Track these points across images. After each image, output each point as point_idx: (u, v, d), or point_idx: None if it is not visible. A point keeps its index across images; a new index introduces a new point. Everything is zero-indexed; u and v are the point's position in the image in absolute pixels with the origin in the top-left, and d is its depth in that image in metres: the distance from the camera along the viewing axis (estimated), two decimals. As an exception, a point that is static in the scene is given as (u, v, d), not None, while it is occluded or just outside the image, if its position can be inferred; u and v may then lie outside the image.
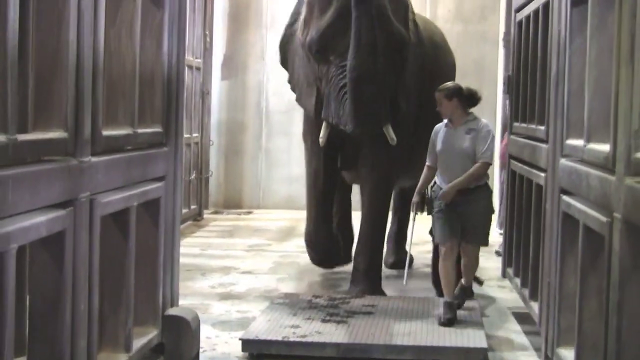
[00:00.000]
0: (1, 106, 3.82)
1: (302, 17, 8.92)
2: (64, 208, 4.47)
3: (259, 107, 17.26)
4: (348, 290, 9.18)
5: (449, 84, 8.26)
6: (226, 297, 9.51)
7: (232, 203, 17.26)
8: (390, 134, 8.49)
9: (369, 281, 9.05)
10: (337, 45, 8.22)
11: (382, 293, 9.04)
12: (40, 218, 4.19)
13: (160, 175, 6.26)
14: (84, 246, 4.76)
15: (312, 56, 8.63)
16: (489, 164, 7.94)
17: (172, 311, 6.46)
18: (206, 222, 15.50)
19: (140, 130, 5.72)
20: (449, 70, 10.35)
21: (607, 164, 4.95)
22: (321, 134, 8.70)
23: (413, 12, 9.27)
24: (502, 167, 12.05)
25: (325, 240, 9.67)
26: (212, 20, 15.89)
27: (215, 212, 16.65)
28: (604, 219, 4.95)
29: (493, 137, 7.95)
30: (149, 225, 6.12)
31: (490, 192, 8.18)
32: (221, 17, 16.95)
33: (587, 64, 5.61)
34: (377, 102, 8.08)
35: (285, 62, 9.66)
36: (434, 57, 9.85)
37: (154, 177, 6.12)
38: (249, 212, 16.86)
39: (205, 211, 16.06)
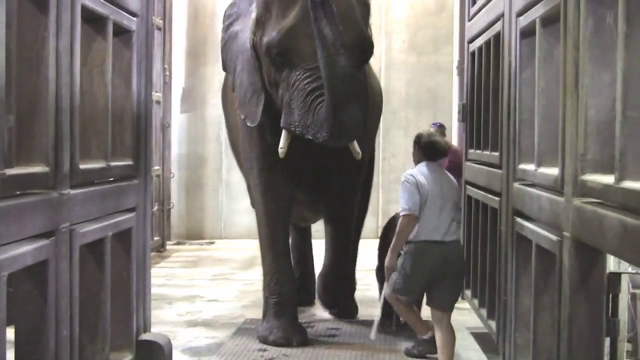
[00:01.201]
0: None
1: (253, 16, 7.91)
2: (47, 238, 4.75)
3: (219, 140, 17.48)
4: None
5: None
6: (194, 324, 9.72)
7: (194, 234, 17.45)
8: (356, 147, 7.61)
9: (340, 293, 9.07)
10: (302, 47, 7.31)
11: (355, 307, 9.29)
12: (27, 247, 4.47)
13: (132, 207, 6.53)
14: (65, 275, 5.02)
15: (269, 59, 7.63)
16: (402, 216, 7.19)
17: (145, 336, 6.72)
18: (169, 252, 15.69)
19: (113, 164, 5.99)
20: (379, 99, 9.76)
21: (556, 187, 5.29)
22: (281, 144, 7.62)
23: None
24: None
25: (292, 278, 8.88)
26: (170, 55, 16.14)
27: (178, 243, 16.82)
28: (554, 238, 5.28)
29: (404, 186, 7.20)
30: (121, 254, 6.38)
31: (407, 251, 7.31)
32: (180, 52, 17.21)
33: (536, 93, 5.97)
34: (357, 108, 7.11)
35: (225, 66, 8.69)
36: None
37: (126, 209, 6.39)
38: (211, 243, 17.05)
39: (167, 242, 16.25)
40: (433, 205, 7.16)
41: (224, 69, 8.70)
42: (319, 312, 9.77)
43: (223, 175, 17.50)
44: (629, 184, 3.94)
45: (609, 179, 4.25)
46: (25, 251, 4.44)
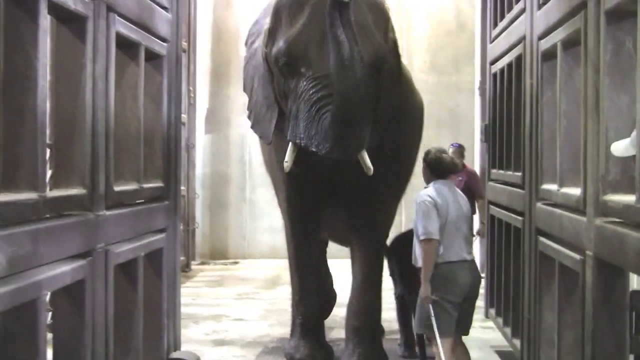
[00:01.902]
0: (32, 166, 4.25)
1: (266, 27, 7.61)
2: (84, 258, 4.91)
3: (242, 160, 17.66)
4: (344, 350, 8.27)
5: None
6: (220, 343, 9.85)
7: (218, 254, 17.60)
8: (366, 162, 7.18)
9: (369, 341, 8.19)
10: (309, 55, 7.00)
11: (384, 355, 8.24)
12: (65, 267, 4.63)
13: (162, 227, 6.69)
14: (100, 293, 5.19)
15: (278, 69, 7.30)
16: (424, 240, 6.86)
17: (175, 354, 6.90)
18: (194, 272, 15.84)
19: (145, 186, 6.16)
20: (419, 115, 9.32)
21: (578, 206, 5.42)
22: (286, 157, 7.24)
23: (393, 30, 7.93)
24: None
25: (320, 299, 8.75)
26: (195, 77, 16.35)
27: (202, 263, 16.97)
28: (577, 256, 5.41)
29: (422, 209, 6.97)
30: (152, 274, 6.54)
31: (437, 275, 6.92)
32: (204, 73, 17.42)
33: (558, 114, 6.11)
34: (363, 120, 6.80)
35: (245, 85, 8.36)
36: (405, 93, 8.57)
37: (157, 229, 6.54)
38: (235, 262, 17.20)
39: (192, 262, 16.42)
40: (454, 225, 6.96)
41: (244, 89, 8.39)
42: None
43: (247, 195, 17.66)
44: (648, 204, 4.07)
45: (629, 199, 4.39)
46: (64, 271, 4.60)
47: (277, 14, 7.42)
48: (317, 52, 6.91)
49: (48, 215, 4.48)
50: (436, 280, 6.81)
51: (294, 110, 7.08)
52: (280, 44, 7.19)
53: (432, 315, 6.76)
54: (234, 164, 17.74)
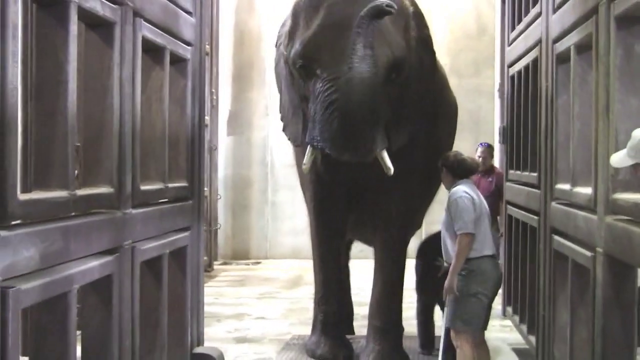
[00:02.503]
0: (63, 165, 4.45)
1: (285, 30, 7.79)
2: (111, 254, 5.10)
3: (264, 162, 17.87)
4: (364, 348, 8.36)
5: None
6: (242, 340, 10.05)
7: (240, 254, 17.81)
8: (386, 163, 7.19)
9: (389, 340, 8.25)
10: (323, 57, 7.01)
11: (405, 355, 8.35)
12: (94, 263, 4.81)
13: (186, 226, 6.87)
14: (127, 289, 5.37)
15: (297, 72, 7.40)
16: (463, 234, 6.99)
17: (199, 349, 7.08)
18: (216, 272, 16.05)
19: (169, 185, 6.35)
20: (453, 112, 9.61)
21: (590, 205, 5.59)
22: (305, 159, 7.34)
23: (426, 27, 8.02)
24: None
25: (341, 297, 8.89)
26: (217, 79, 16.55)
27: (224, 263, 17.19)
28: (588, 253, 5.58)
29: (462, 203, 7.08)
30: (176, 271, 6.71)
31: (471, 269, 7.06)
32: (226, 76, 17.63)
33: (571, 117, 6.27)
34: (368, 122, 6.80)
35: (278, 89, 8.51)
36: (440, 91, 8.78)
37: (181, 228, 6.73)
38: (257, 263, 17.41)
39: (215, 262, 16.63)
40: (484, 221, 7.13)
41: (278, 90, 8.50)
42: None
43: (269, 196, 17.87)
44: (654, 202, 4.24)
45: (637, 197, 4.55)
46: (92, 266, 4.79)
47: (295, 16, 7.56)
48: (331, 54, 6.94)
49: (76, 213, 4.66)
50: (473, 275, 6.98)
51: (312, 113, 7.11)
52: (296, 46, 7.30)
53: (446, 305, 7.08)
54: (256, 166, 17.95)
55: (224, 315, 11.61)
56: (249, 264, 17.21)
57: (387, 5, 6.49)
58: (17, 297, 3.83)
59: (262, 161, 17.92)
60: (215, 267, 16.49)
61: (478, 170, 8.21)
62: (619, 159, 4.85)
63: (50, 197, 4.32)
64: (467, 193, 7.11)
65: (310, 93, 7.21)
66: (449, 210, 7.15)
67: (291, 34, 7.56)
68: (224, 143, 17.56)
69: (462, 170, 7.36)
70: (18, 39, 3.84)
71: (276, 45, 8.40)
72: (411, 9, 7.72)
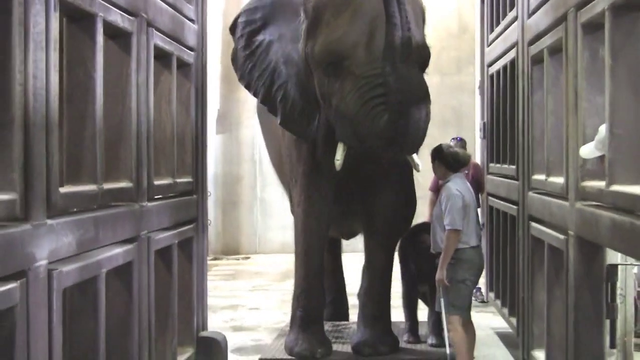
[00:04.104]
0: (92, 162, 5.01)
1: (303, 26, 7.57)
2: (131, 243, 5.65)
3: (253, 159, 18.35)
4: (356, 333, 8.64)
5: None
6: (239, 329, 10.59)
7: (231, 250, 18.31)
8: (415, 159, 7.32)
9: (379, 325, 8.50)
10: (357, 54, 6.96)
11: (395, 340, 8.57)
12: (118, 250, 5.37)
13: (192, 218, 7.43)
14: (145, 274, 5.93)
15: (322, 69, 7.26)
16: (451, 230, 7.38)
17: (204, 333, 7.65)
18: (208, 267, 16.47)
19: (178, 180, 6.90)
20: None
21: (562, 193, 6.18)
22: (337, 156, 7.31)
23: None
24: None
25: (322, 294, 8.69)
26: (206, 81, 17.01)
27: (215, 259, 17.67)
28: (562, 237, 6.16)
29: (454, 201, 7.44)
30: (184, 260, 7.27)
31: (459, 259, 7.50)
32: (215, 77, 18.10)
33: (546, 113, 6.85)
34: (424, 117, 6.82)
35: (250, 78, 8.18)
36: None
37: (187, 220, 7.28)
38: (247, 258, 17.91)
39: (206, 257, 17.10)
40: (471, 214, 7.53)
41: (247, 80, 8.20)
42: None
43: (258, 193, 18.36)
44: (616, 187, 4.83)
45: (601, 184, 5.12)
46: (117, 253, 5.34)
47: (317, 12, 7.37)
48: (366, 52, 6.90)
49: (103, 205, 5.24)
50: (460, 264, 7.42)
51: (342, 109, 7.05)
52: (325, 43, 7.18)
53: (441, 296, 7.43)
54: (245, 164, 18.44)
55: (219, 306, 12.10)
56: (239, 259, 17.72)
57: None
58: (60, 279, 4.38)
59: (250, 158, 18.41)
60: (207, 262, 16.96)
61: (468, 163, 8.57)
62: (588, 151, 5.45)
63: (82, 190, 4.88)
64: (459, 191, 7.46)
65: (337, 91, 7.14)
66: (441, 204, 7.52)
67: (311, 31, 7.42)
68: (213, 142, 18.00)
69: (456, 164, 7.69)
70: (57, 51, 4.40)
71: (244, 33, 8.14)
72: (423, 7, 7.67)
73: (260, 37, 7.96)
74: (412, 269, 8.70)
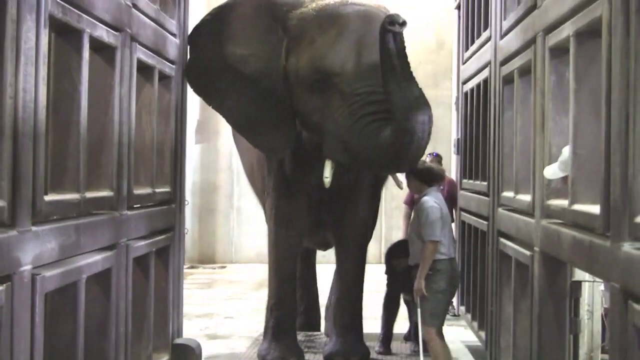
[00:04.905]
0: (75, 171, 5.20)
1: (284, 43, 7.53)
2: (110, 250, 5.83)
3: (230, 169, 18.50)
4: (326, 348, 8.78)
5: None
6: (213, 337, 10.74)
7: (207, 258, 18.46)
8: (398, 177, 7.66)
9: (351, 334, 8.69)
10: (347, 72, 7.03)
11: (366, 350, 8.76)
12: (98, 257, 5.55)
13: (170, 227, 7.61)
14: (123, 281, 6.11)
15: (307, 86, 7.30)
16: (431, 241, 7.59)
17: (179, 340, 7.82)
18: (185, 275, 16.63)
19: (157, 190, 7.08)
20: None
21: (529, 210, 6.40)
22: (326, 173, 7.37)
23: None
24: None
25: (294, 305, 8.94)
26: (186, 93, 17.15)
27: (192, 267, 17.80)
28: (527, 252, 6.39)
29: (432, 213, 7.66)
30: (161, 268, 7.45)
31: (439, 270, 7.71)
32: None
33: (515, 131, 7.07)
34: (427, 137, 6.86)
35: (209, 90, 8.13)
36: None
37: (165, 229, 7.46)
38: (223, 267, 18.05)
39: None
40: (448, 226, 7.82)
41: (205, 93, 8.20)
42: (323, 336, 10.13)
43: (234, 202, 18.52)
44: (577, 207, 5.07)
45: (565, 203, 5.34)
46: (97, 259, 5.53)
47: (299, 30, 7.43)
48: (355, 69, 7.01)
49: (84, 213, 5.43)
50: (439, 274, 7.62)
51: (330, 126, 7.13)
52: (311, 61, 7.23)
53: (419, 306, 7.64)
54: (223, 173, 18.60)
55: (194, 314, 12.24)
56: (215, 268, 17.85)
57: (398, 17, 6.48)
58: (43, 283, 4.57)
59: (228, 168, 18.56)
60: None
61: (443, 177, 8.81)
62: (552, 172, 5.69)
63: (66, 198, 5.07)
64: (436, 204, 7.67)
65: (321, 107, 7.22)
66: (418, 217, 7.71)
67: (293, 47, 7.48)
68: (191, 151, 18.15)
69: (430, 178, 7.91)
70: (46, 66, 4.59)
71: (199, 42, 8.01)
72: None
73: (229, 49, 7.80)
74: (394, 281, 8.92)
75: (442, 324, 7.88)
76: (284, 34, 7.58)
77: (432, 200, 7.73)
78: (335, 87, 7.08)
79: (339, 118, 7.03)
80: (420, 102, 6.66)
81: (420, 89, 6.73)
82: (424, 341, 7.88)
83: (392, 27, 6.36)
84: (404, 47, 6.50)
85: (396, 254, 8.86)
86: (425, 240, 7.59)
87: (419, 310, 7.70)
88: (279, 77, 7.58)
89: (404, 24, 6.40)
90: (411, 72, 6.62)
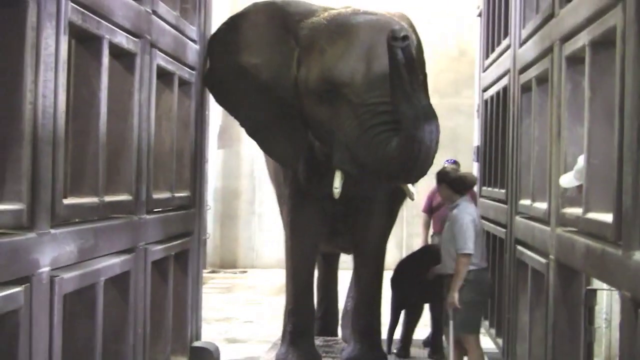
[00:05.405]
0: (94, 175, 5.27)
1: (295, 53, 7.55)
2: (129, 253, 5.90)
3: (252, 175, 18.58)
4: (344, 354, 8.78)
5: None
6: (232, 341, 10.82)
7: (228, 263, 18.54)
8: (410, 188, 7.54)
9: (368, 340, 8.66)
10: (356, 82, 6.98)
11: (384, 356, 8.77)
12: (116, 260, 5.62)
13: (189, 232, 7.68)
14: (141, 284, 6.18)
15: (316, 96, 7.28)
16: (463, 255, 7.60)
17: (197, 343, 7.89)
18: (205, 280, 16.52)
19: (176, 195, 7.16)
20: None
21: (545, 218, 6.43)
22: (336, 184, 7.31)
23: (422, 51, 8.20)
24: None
25: (311, 311, 8.93)
26: (207, 99, 17.26)
27: (213, 272, 17.89)
28: (543, 260, 6.41)
29: (465, 226, 7.66)
30: (180, 272, 7.52)
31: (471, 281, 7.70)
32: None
33: (532, 140, 7.11)
34: (435, 148, 6.83)
35: (226, 98, 8.24)
36: None
37: (184, 233, 7.53)
38: (244, 272, 18.13)
39: (203, 270, 17.31)
40: (480, 237, 7.79)
41: (223, 101, 8.30)
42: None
43: (256, 208, 18.59)
44: (591, 215, 5.09)
45: (579, 212, 5.37)
46: (115, 262, 5.60)
47: (310, 40, 7.39)
48: (364, 80, 6.96)
49: (103, 217, 5.50)
50: (469, 285, 7.61)
51: (340, 137, 7.09)
52: (321, 71, 7.19)
53: (451, 318, 7.65)
54: (245, 179, 18.67)
55: (213, 318, 12.32)
56: (236, 273, 17.93)
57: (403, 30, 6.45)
58: (61, 285, 4.64)
59: (249, 174, 18.64)
60: (203, 275, 17.11)
61: (475, 185, 8.73)
62: (567, 180, 5.72)
63: (85, 202, 5.15)
64: (469, 215, 7.68)
65: (331, 118, 7.19)
66: (452, 228, 7.70)
67: (304, 57, 7.45)
68: (213, 156, 18.22)
69: (463, 186, 7.91)
70: (65, 72, 4.67)
71: (217, 51, 8.05)
72: (413, 35, 7.57)
73: (243, 58, 7.82)
74: (403, 289, 8.97)
75: (477, 333, 7.90)
76: (295, 44, 7.58)
77: (465, 211, 7.72)
78: (345, 97, 7.04)
79: (348, 129, 7.00)
80: (427, 112, 6.61)
81: (428, 99, 6.73)
82: (455, 351, 7.88)
83: (394, 42, 6.33)
84: (413, 58, 6.46)
85: (422, 263, 8.85)
86: (457, 253, 7.59)
87: (450, 322, 7.71)
88: (291, 87, 7.58)
89: (405, 38, 6.33)
90: (419, 83, 6.61)
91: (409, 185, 7.46)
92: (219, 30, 8.08)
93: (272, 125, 7.83)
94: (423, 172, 6.97)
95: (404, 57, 6.35)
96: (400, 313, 9.14)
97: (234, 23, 8.00)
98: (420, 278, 8.65)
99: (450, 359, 7.91)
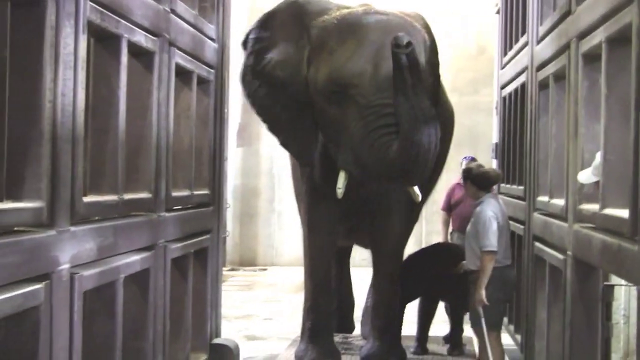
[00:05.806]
0: (113, 173, 5.32)
1: (306, 51, 7.51)
2: (148, 251, 5.95)
3: (271, 173, 18.65)
4: (363, 350, 8.75)
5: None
6: (252, 338, 10.88)
7: (247, 261, 18.61)
8: (415, 190, 7.45)
9: (387, 337, 8.62)
10: (363, 84, 6.93)
11: (403, 353, 8.74)
12: (136, 257, 5.67)
13: (208, 229, 7.73)
14: (161, 281, 6.23)
15: (324, 96, 7.25)
16: (487, 252, 7.56)
17: (217, 340, 7.95)
18: (225, 278, 16.70)
19: (195, 192, 7.20)
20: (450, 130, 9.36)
21: (562, 214, 6.45)
22: (339, 184, 7.36)
23: (437, 54, 8.01)
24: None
25: (330, 307, 8.86)
26: (227, 94, 17.33)
27: (232, 270, 17.98)
28: (561, 256, 6.43)
29: (490, 224, 7.64)
30: (199, 269, 7.56)
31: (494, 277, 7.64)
32: (236, 90, 18.33)
33: (550, 137, 7.12)
34: (434, 152, 6.72)
35: (255, 96, 8.09)
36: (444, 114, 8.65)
37: (204, 231, 7.58)
38: (264, 269, 18.20)
39: (223, 268, 17.39)
40: (505, 234, 7.76)
41: (254, 99, 8.08)
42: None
43: (275, 206, 18.65)
44: (607, 211, 5.10)
45: (596, 208, 5.39)
46: (135, 260, 5.65)
47: (321, 39, 7.34)
48: (371, 81, 6.90)
49: (122, 214, 5.55)
50: (494, 282, 7.56)
51: (345, 137, 7.08)
52: (329, 71, 7.15)
53: (482, 316, 7.58)
54: (264, 177, 18.73)
55: (233, 316, 12.41)
56: (255, 270, 18.00)
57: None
58: (81, 282, 4.69)
59: (269, 172, 18.70)
60: (223, 272, 17.20)
61: (500, 181, 8.79)
62: (586, 176, 5.73)
63: (104, 199, 5.20)
64: (493, 213, 7.63)
65: (338, 118, 7.15)
66: (476, 225, 7.70)
67: (314, 56, 7.42)
68: (233, 154, 18.30)
69: (487, 183, 7.88)
70: (84, 70, 4.72)
71: (252, 49, 7.91)
72: (426, 36, 7.60)
73: (269, 55, 7.77)
74: (428, 283, 8.99)
75: (499, 331, 7.90)
76: (307, 43, 7.53)
77: (489, 209, 7.69)
78: (352, 98, 6.99)
79: (354, 130, 6.97)
80: (427, 115, 6.55)
81: (429, 102, 6.67)
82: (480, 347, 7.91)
83: (397, 49, 6.31)
84: (417, 62, 6.42)
85: (430, 261, 8.92)
86: (481, 250, 7.58)
87: (482, 320, 7.64)
88: (302, 85, 7.52)
89: (408, 45, 6.30)
90: (422, 87, 6.57)
91: (415, 188, 7.40)
92: (252, 28, 8.01)
93: (288, 121, 7.82)
94: (423, 175, 6.94)
95: (407, 62, 6.33)
96: (404, 308, 9.11)
97: (264, 21, 7.97)
98: (427, 275, 8.74)
99: (489, 357, 7.78)
